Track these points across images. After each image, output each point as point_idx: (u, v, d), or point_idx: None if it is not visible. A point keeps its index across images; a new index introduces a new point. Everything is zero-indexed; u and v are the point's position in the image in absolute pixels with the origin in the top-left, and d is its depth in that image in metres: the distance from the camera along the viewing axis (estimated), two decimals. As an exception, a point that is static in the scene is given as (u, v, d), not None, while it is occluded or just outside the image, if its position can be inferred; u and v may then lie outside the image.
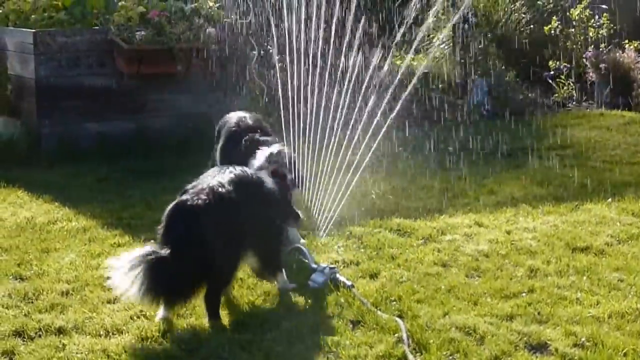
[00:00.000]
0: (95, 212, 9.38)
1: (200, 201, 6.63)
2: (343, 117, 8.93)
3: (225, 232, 6.68)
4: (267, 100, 13.77)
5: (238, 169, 7.03)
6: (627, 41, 15.76)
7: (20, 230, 8.93)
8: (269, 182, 7.29)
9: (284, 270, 7.37)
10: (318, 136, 8.88)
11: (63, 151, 11.45)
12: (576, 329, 6.61)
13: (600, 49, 15.75)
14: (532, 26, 16.42)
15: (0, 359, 6.10)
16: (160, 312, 6.78)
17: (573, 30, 16.24)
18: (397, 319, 6.78)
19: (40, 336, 6.51)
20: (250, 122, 8.87)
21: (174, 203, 6.78)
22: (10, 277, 7.67)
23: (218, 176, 6.88)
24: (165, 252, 6.46)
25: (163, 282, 6.42)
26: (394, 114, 9.08)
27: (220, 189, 6.74)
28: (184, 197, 6.73)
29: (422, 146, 9.17)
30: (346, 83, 9.11)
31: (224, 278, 6.83)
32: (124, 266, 6.41)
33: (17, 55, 11.99)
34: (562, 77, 15.89)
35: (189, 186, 6.89)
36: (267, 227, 7.13)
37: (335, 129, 8.91)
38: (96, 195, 9.89)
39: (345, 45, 9.36)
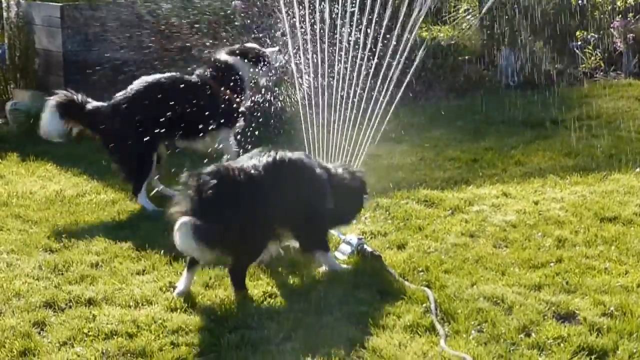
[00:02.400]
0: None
1: (225, 177, 6.69)
2: (368, 88, 8.90)
3: (252, 210, 6.71)
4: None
5: (277, 154, 6.99)
6: (655, 10, 15.63)
7: (49, 203, 8.99)
8: (313, 165, 7.19)
9: (329, 252, 7.29)
10: (343, 107, 8.87)
11: (91, 125, 11.49)
12: (604, 299, 6.60)
13: (628, 19, 15.61)
14: (559, -4, 16.31)
15: (31, 330, 6.16)
16: (180, 285, 6.83)
17: (600, -1, 16.12)
18: (425, 289, 6.79)
19: (70, 307, 6.57)
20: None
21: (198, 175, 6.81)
22: (40, 249, 7.73)
23: (254, 158, 6.91)
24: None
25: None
26: (421, 85, 9.06)
27: (250, 170, 6.78)
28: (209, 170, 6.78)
29: (449, 117, 9.14)
30: (371, 55, 9.09)
31: (247, 255, 6.87)
32: None
33: (45, 29, 12.03)
34: (590, 47, 15.77)
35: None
36: (308, 210, 7.03)
37: (360, 100, 8.89)
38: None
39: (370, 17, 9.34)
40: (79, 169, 10.09)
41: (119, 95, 8.88)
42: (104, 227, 8.23)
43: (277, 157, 6.93)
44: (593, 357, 5.80)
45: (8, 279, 7.04)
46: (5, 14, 12.44)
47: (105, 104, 8.88)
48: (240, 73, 9.15)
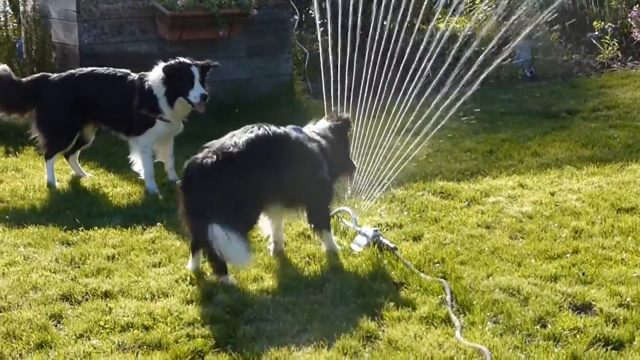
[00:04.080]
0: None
1: (207, 160, 6.81)
2: (384, 81, 8.91)
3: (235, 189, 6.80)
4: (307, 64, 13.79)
5: (264, 128, 7.05)
6: (673, -1, 15.56)
7: (66, 197, 9.03)
8: (303, 138, 7.25)
9: (331, 232, 7.41)
10: (360, 101, 8.87)
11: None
12: (621, 289, 6.58)
13: (646, 8, 15.56)
14: (576, -15, 16.25)
15: (48, 322, 6.18)
16: (190, 263, 7.01)
17: (617, -11, 16.05)
18: (441, 280, 6.79)
19: (87, 300, 6.59)
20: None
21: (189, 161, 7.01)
22: (57, 242, 7.75)
23: (237, 136, 6.99)
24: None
25: None
26: (438, 77, 9.05)
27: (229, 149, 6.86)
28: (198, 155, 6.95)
29: (466, 108, 9.12)
30: (389, 47, 9.09)
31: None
32: None
33: (61, 22, 12.05)
34: (607, 37, 15.72)
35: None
36: (303, 184, 7.11)
37: (376, 93, 8.90)
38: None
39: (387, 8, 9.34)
40: (95, 162, 10.12)
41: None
42: (120, 220, 8.25)
43: (265, 133, 7.00)
44: (609, 348, 5.78)
45: (25, 272, 7.06)
46: (21, 8, 12.46)
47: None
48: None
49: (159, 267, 7.21)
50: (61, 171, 9.84)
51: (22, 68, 12.06)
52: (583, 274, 6.90)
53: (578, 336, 5.93)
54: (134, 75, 9.27)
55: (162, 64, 9.06)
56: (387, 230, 7.93)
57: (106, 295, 6.65)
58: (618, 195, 8.71)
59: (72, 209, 8.56)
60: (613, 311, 6.27)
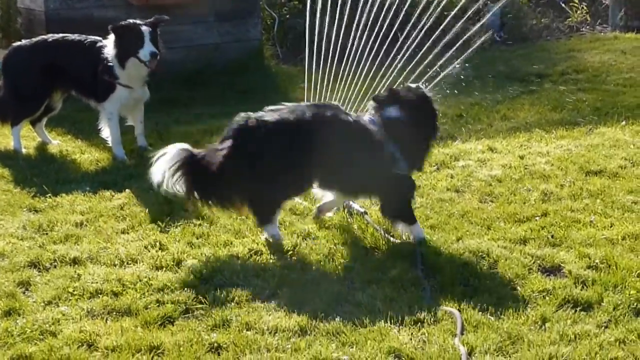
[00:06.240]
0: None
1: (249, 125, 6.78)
2: (351, 46, 8.87)
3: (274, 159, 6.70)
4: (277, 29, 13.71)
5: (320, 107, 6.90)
6: (641, -38, 15.57)
7: (33, 163, 8.95)
8: (371, 127, 6.81)
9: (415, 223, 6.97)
10: (329, 65, 8.84)
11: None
12: (590, 251, 6.61)
13: (614, -29, 15.57)
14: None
15: (16, 290, 6.13)
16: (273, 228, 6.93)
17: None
18: (412, 243, 6.79)
19: (55, 267, 6.54)
20: None
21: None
22: (25, 209, 7.69)
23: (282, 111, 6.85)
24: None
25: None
26: (404, 39, 9.00)
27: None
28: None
29: (434, 72, 9.10)
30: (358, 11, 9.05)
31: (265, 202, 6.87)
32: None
33: (26, -13, 11.92)
34: (576, 1, 15.72)
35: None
36: (364, 176, 6.82)
37: (345, 58, 8.86)
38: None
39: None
40: (62, 129, 10.05)
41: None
42: (88, 187, 8.19)
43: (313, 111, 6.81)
44: (578, 309, 5.80)
45: (-8, 239, 7.01)
46: (-15, -27, 12.33)
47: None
48: None
49: (127, 233, 7.18)
50: (27, 138, 9.76)
51: (-14, 34, 11.95)
52: (552, 236, 6.93)
53: (547, 298, 5.96)
54: (103, 42, 9.18)
55: (111, 36, 9.03)
56: (357, 194, 7.91)
57: (75, 262, 6.61)
58: (587, 158, 8.74)
59: (40, 176, 8.49)
60: (582, 273, 6.29)
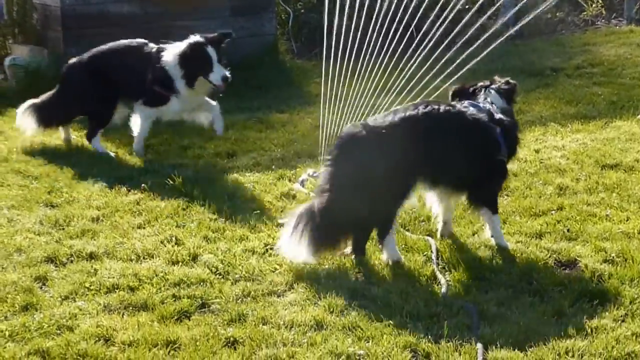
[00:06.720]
0: (123, 139, 9.40)
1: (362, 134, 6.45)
2: (368, 41, 8.86)
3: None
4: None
5: (431, 106, 6.63)
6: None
7: (49, 159, 8.97)
8: (478, 113, 6.69)
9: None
10: (345, 61, 8.83)
11: (90, 79, 11.44)
12: (606, 245, 6.60)
13: (630, -36, 15.50)
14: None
15: (33, 285, 6.15)
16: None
17: (602, -56, 15.96)
18: (428, 238, 6.79)
19: (72, 262, 6.56)
20: None
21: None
22: (41, 204, 7.71)
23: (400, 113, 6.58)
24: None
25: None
26: (419, 35, 8.99)
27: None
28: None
29: (448, 67, 9.06)
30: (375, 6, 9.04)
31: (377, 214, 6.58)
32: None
33: (42, -17, 11.95)
34: (591, -6, 15.67)
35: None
36: (475, 165, 6.69)
37: (361, 53, 8.85)
38: (124, 122, 9.89)
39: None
40: (79, 124, 10.05)
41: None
42: (104, 182, 8.21)
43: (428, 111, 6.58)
44: (594, 303, 5.79)
45: (9, 235, 7.02)
46: (2, -32, 12.36)
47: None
48: None
49: (144, 228, 7.19)
50: (44, 133, 9.77)
51: (2, 30, 11.96)
52: (568, 230, 6.92)
53: (563, 292, 5.95)
54: (151, 47, 9.10)
55: (176, 47, 8.86)
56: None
57: (91, 256, 6.62)
58: (602, 151, 8.72)
59: (56, 171, 8.52)
60: (598, 267, 6.29)
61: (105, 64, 9.25)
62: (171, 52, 8.88)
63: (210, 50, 8.74)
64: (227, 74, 8.71)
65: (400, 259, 6.47)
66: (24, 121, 9.39)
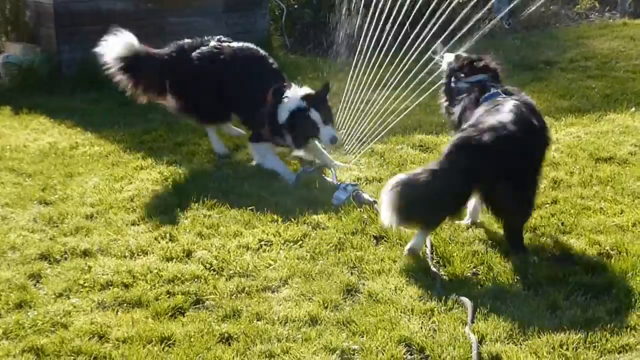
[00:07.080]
0: (117, 136, 9.40)
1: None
2: (364, 37, 8.85)
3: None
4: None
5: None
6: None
7: (43, 156, 8.96)
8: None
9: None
10: (339, 56, 8.82)
11: (83, 76, 11.38)
12: (600, 238, 6.61)
13: (623, -43, 15.51)
14: None
15: (27, 282, 6.15)
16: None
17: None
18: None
19: (65, 259, 6.56)
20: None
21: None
22: (35, 201, 7.70)
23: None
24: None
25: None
26: (415, 29, 8.99)
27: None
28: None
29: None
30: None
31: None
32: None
33: (34, -19, 11.94)
34: (585, -13, 15.68)
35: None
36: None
37: (355, 47, 8.85)
38: (118, 120, 9.90)
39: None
40: (72, 121, 10.05)
41: None
42: (98, 179, 8.20)
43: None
44: (588, 296, 5.79)
45: (3, 232, 7.02)
46: (-6, -34, 12.34)
47: None
48: None
49: (138, 224, 7.19)
50: (38, 131, 9.78)
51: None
52: (562, 223, 6.92)
53: (558, 285, 5.95)
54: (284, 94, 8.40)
55: (287, 107, 8.28)
56: (366, 184, 7.92)
57: (85, 254, 6.62)
58: (596, 145, 8.72)
59: (50, 169, 8.50)
60: (592, 260, 6.29)
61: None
62: (285, 108, 8.31)
63: (314, 114, 8.19)
64: (334, 134, 8.20)
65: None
66: None
